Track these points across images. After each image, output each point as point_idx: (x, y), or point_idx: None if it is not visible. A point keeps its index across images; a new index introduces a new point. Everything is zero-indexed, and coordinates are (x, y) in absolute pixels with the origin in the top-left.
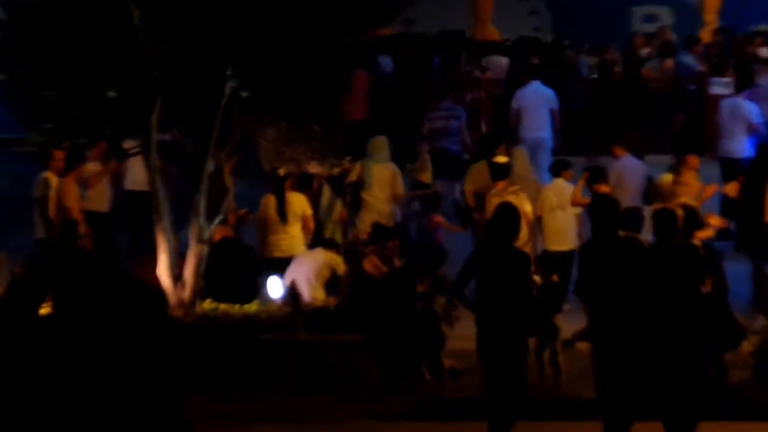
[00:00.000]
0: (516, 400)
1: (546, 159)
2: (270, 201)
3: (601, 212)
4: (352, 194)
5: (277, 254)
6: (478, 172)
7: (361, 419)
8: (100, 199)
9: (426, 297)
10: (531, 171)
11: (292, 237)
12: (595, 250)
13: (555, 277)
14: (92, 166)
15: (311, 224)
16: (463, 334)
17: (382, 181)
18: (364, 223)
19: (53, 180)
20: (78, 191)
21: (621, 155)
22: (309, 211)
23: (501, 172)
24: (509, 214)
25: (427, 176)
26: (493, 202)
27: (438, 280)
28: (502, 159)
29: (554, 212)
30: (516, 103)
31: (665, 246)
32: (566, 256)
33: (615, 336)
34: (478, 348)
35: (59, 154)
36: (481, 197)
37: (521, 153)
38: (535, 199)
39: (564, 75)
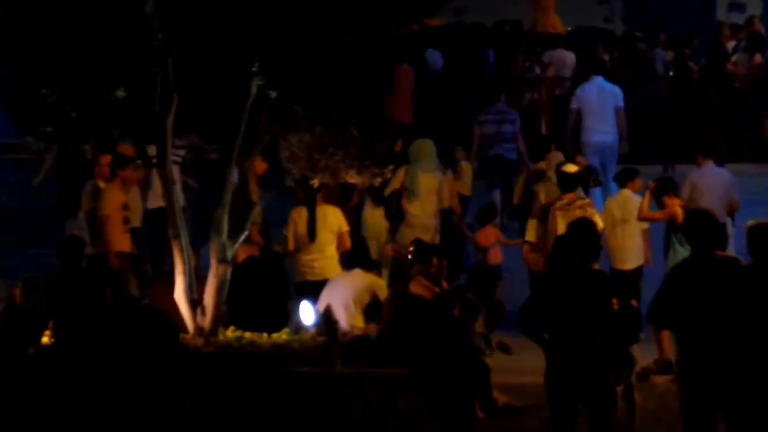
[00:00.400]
0: None
1: (612, 166)
2: (300, 216)
3: (697, 230)
4: (395, 205)
5: (310, 278)
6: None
7: None
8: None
9: (463, 324)
10: None
11: (326, 257)
12: (688, 273)
13: (634, 302)
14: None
15: (347, 242)
16: (520, 367)
17: (429, 193)
18: (406, 239)
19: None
20: (123, 199)
21: (703, 163)
22: (345, 227)
23: (570, 183)
24: (586, 230)
25: (465, 188)
26: (558, 216)
27: (471, 305)
28: (571, 168)
29: (616, 227)
30: (576, 102)
31: (765, 268)
32: (630, 275)
33: (711, 373)
34: (549, 384)
35: (105, 159)
36: (543, 211)
37: (558, 159)
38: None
39: (637, 72)
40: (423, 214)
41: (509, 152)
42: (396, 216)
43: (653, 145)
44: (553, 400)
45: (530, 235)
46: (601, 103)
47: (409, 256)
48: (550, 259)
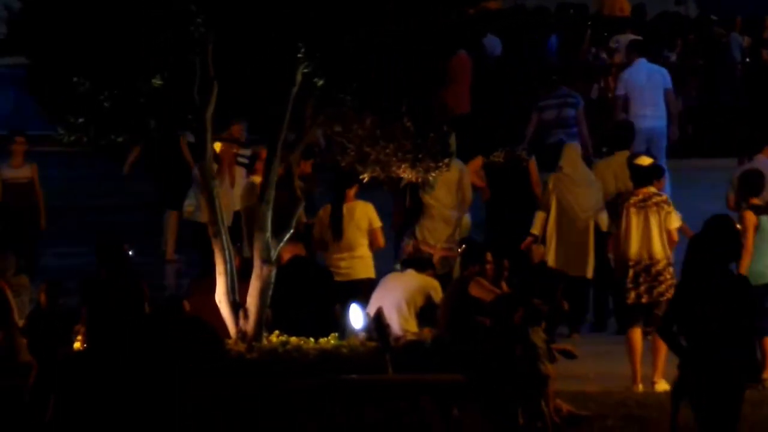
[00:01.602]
0: None
1: (662, 153)
2: (327, 213)
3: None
4: (411, 197)
5: (337, 278)
6: (603, 171)
7: None
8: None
9: (522, 329)
10: (587, 173)
11: (355, 257)
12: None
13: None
14: None
15: (380, 240)
16: (584, 374)
17: (446, 184)
18: (427, 233)
19: None
20: None
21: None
22: (377, 224)
23: (644, 177)
24: (727, 228)
25: None
26: (632, 213)
27: (536, 311)
28: (645, 161)
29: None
30: (623, 87)
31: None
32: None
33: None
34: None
35: (264, 152)
36: (612, 206)
37: (573, 149)
38: (601, 209)
39: (712, 59)
40: (440, 206)
41: (571, 138)
42: (413, 210)
43: (728, 137)
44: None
45: (536, 227)
46: (650, 85)
47: (458, 258)
48: (688, 262)
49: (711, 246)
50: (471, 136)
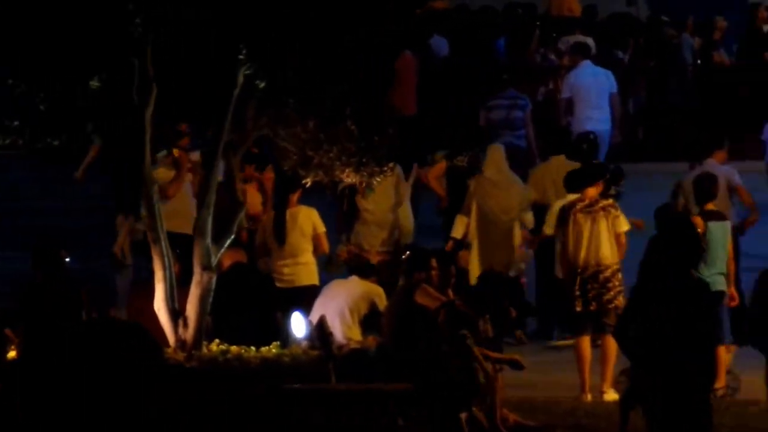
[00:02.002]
0: None
1: (603, 156)
2: (270, 218)
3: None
4: (348, 202)
5: (279, 285)
6: (545, 175)
7: None
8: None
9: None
10: (509, 175)
11: (299, 264)
12: None
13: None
14: (164, 173)
15: (325, 245)
16: (531, 383)
17: (385, 186)
18: (362, 238)
19: None
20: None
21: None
22: (321, 229)
23: (577, 181)
24: (684, 230)
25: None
26: (579, 218)
27: (458, 315)
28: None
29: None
30: (569, 90)
31: None
32: None
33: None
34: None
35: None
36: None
37: (497, 151)
38: (525, 209)
39: (663, 59)
40: (376, 210)
41: (519, 140)
42: (349, 214)
43: (678, 140)
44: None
45: (457, 231)
46: (596, 89)
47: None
48: (644, 263)
49: (667, 247)
50: (416, 137)
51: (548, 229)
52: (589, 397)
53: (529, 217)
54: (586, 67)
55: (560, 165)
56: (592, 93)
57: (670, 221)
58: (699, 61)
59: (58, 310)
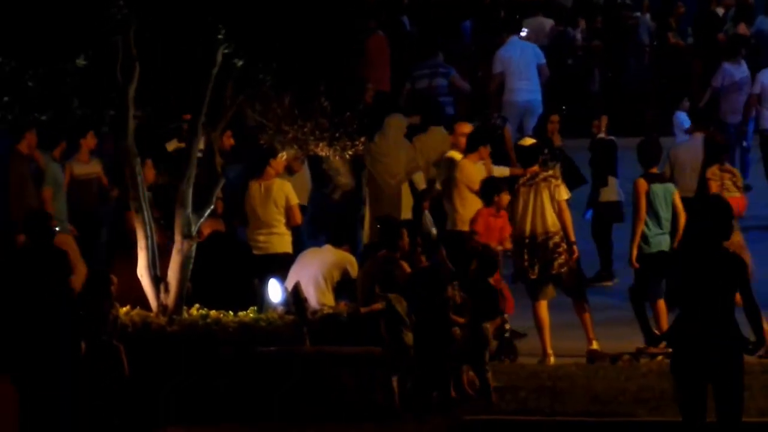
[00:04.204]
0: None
1: (532, 125)
2: (252, 189)
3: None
4: None
5: (255, 252)
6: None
7: None
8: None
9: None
10: (397, 141)
11: (274, 233)
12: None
13: (492, 281)
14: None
15: (297, 217)
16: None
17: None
18: None
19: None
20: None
21: (692, 133)
22: (294, 201)
23: (529, 157)
24: (718, 207)
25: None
26: (522, 192)
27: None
28: (528, 141)
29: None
30: (500, 64)
31: None
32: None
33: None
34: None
35: (464, 127)
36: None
37: (390, 119)
38: (412, 172)
39: (620, 40)
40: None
41: (446, 106)
42: None
43: (635, 117)
44: (683, 382)
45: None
46: (523, 61)
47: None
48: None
49: (699, 221)
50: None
51: (439, 185)
52: (551, 360)
53: (420, 177)
54: (514, 42)
55: (436, 135)
56: (521, 65)
57: (703, 199)
58: (655, 43)
59: (46, 273)
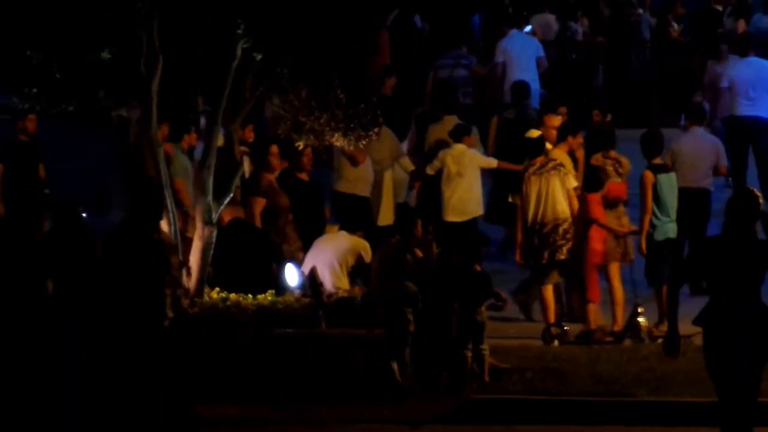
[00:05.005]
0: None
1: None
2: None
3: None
4: None
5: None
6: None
7: (389, 422)
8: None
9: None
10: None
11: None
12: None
13: (478, 267)
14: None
15: None
16: (504, 330)
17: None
18: None
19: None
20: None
21: (689, 129)
22: None
23: (536, 148)
24: (751, 198)
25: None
26: (533, 180)
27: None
28: (534, 133)
29: (452, 180)
30: (501, 54)
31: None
32: (466, 225)
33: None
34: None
35: (553, 120)
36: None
37: None
38: (398, 158)
39: (625, 35)
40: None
41: (466, 97)
42: None
43: (638, 110)
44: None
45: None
46: (525, 53)
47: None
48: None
49: (737, 213)
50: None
51: (429, 170)
52: (556, 343)
53: (406, 161)
54: (515, 35)
55: (449, 125)
56: (522, 57)
57: (735, 191)
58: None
59: (74, 257)
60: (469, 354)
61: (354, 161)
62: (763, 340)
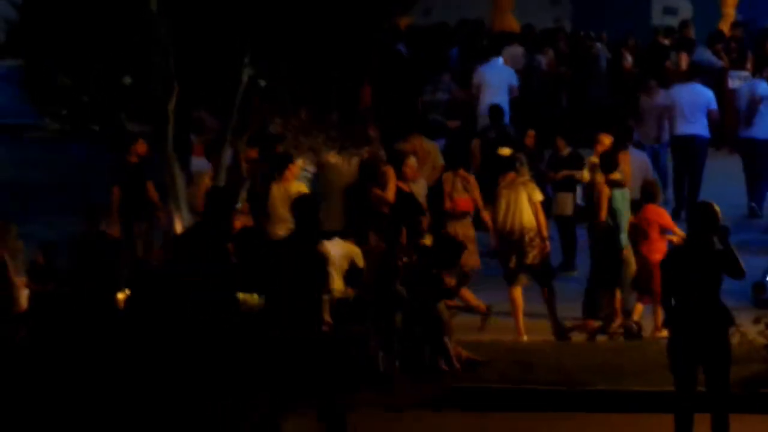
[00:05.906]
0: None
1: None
2: (273, 190)
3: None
4: None
5: None
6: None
7: (374, 406)
8: None
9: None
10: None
11: (289, 228)
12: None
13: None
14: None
15: None
16: (475, 326)
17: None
18: None
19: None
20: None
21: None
22: None
23: (507, 165)
24: (709, 212)
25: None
26: (504, 194)
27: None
28: (505, 151)
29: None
30: (478, 77)
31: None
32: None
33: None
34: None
35: (606, 139)
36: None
37: None
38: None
39: (581, 68)
40: None
41: (444, 117)
42: None
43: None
44: (676, 363)
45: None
46: (498, 79)
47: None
48: (688, 236)
49: (696, 225)
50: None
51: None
52: (525, 337)
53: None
54: (494, 62)
55: (416, 142)
56: (495, 83)
57: (695, 206)
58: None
59: (101, 263)
60: (454, 347)
61: (406, 177)
62: (721, 334)
